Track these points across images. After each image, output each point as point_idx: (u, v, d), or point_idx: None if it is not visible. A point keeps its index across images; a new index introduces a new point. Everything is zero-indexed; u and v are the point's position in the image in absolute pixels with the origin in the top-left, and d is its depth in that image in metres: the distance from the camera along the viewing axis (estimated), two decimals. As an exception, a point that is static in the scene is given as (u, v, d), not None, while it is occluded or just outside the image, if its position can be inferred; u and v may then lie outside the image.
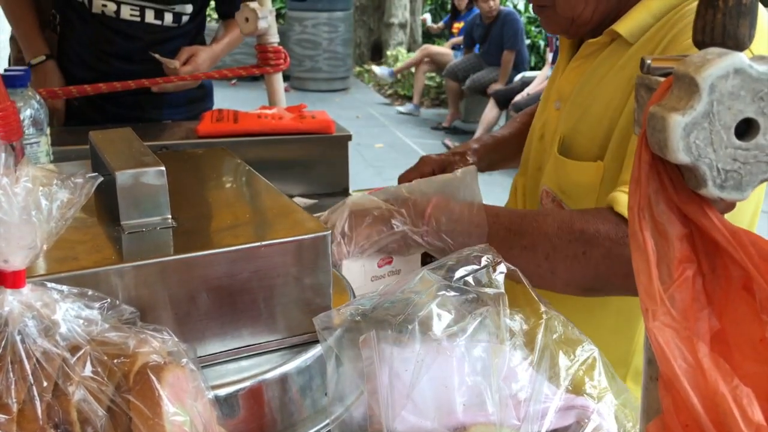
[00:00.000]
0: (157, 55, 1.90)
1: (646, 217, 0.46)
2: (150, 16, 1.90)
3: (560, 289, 0.97)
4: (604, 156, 1.06)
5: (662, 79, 0.47)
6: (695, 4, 1.01)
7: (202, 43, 2.07)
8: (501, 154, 1.46)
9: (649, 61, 0.48)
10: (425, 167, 1.34)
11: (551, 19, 1.12)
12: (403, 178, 1.33)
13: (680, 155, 0.42)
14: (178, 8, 1.92)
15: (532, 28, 8.10)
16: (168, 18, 1.93)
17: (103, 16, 1.88)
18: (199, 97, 2.15)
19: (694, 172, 0.43)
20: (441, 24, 9.10)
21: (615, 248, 0.92)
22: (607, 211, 0.94)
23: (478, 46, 7.22)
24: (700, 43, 0.46)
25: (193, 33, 2.04)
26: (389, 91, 9.11)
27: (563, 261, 0.94)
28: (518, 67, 6.75)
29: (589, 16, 1.08)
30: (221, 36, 2.09)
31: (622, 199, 0.93)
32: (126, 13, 1.88)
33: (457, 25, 8.33)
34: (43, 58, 1.89)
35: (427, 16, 10.13)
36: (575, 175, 1.11)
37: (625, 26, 1.05)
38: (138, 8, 1.88)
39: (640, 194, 0.46)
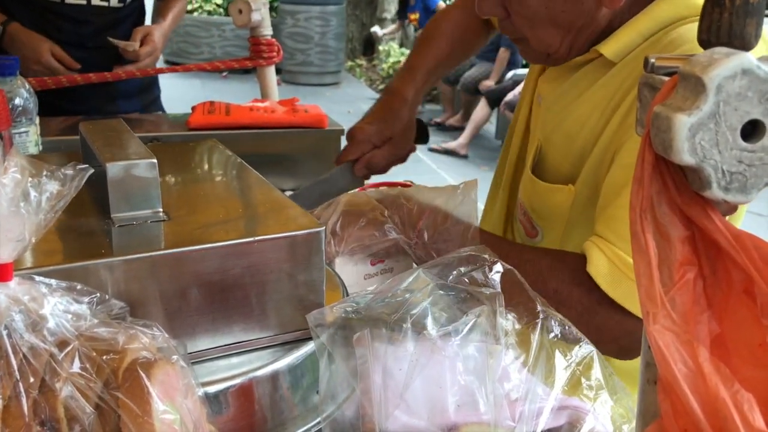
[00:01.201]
0: (114, 41, 1.87)
1: (648, 218, 0.46)
2: None
3: None
4: (575, 179, 1.03)
5: (666, 78, 0.46)
6: (687, 26, 0.98)
7: (143, 23, 2.05)
8: (436, 78, 1.36)
9: (653, 60, 0.47)
10: (364, 146, 1.24)
11: (527, 50, 1.07)
12: (342, 158, 1.26)
13: (685, 156, 0.42)
14: None
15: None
16: None
17: (48, 2, 1.84)
18: (147, 85, 2.12)
19: (698, 174, 0.43)
20: (397, 23, 8.89)
21: (585, 315, 0.90)
22: (582, 271, 0.92)
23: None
24: (706, 43, 0.45)
25: (137, 12, 2.03)
26: (381, 86, 9.09)
27: None
28: (510, 65, 6.75)
29: (566, 52, 1.03)
30: (164, 12, 2.05)
31: (596, 260, 0.90)
32: None
33: (413, 16, 8.18)
34: (0, 28, 1.80)
35: (377, 29, 9.59)
36: (546, 197, 1.08)
37: (610, 48, 0.99)
38: None
39: (643, 195, 0.45)
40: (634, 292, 0.92)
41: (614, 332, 0.90)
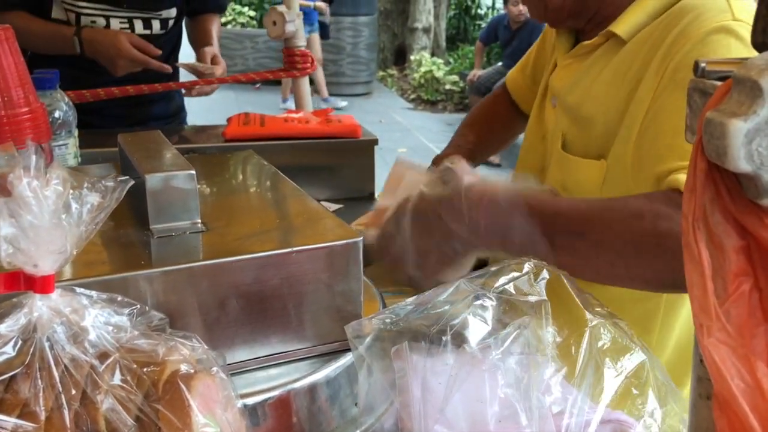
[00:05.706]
0: (185, 64, 1.91)
1: (701, 227, 0.44)
2: (139, 27, 1.90)
3: (636, 287, 0.91)
4: (606, 155, 1.06)
5: (718, 83, 0.44)
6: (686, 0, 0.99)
7: (180, 46, 2.09)
8: (476, 163, 1.47)
9: (703, 65, 0.46)
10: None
11: (531, 5, 1.16)
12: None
13: (741, 163, 0.40)
14: (164, 14, 1.93)
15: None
16: (156, 26, 1.93)
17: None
18: (177, 111, 2.15)
19: (755, 182, 0.41)
20: None
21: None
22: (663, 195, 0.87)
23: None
24: (761, 45, 0.43)
25: (176, 36, 2.05)
26: (412, 96, 9.10)
27: (636, 257, 0.85)
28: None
29: (560, 3, 1.10)
30: (208, 32, 2.07)
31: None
32: (116, 26, 1.87)
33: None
34: (76, 39, 1.77)
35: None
36: (578, 173, 1.11)
37: (621, 26, 1.06)
38: (126, 20, 1.88)
39: (695, 204, 0.44)
40: None
41: None
